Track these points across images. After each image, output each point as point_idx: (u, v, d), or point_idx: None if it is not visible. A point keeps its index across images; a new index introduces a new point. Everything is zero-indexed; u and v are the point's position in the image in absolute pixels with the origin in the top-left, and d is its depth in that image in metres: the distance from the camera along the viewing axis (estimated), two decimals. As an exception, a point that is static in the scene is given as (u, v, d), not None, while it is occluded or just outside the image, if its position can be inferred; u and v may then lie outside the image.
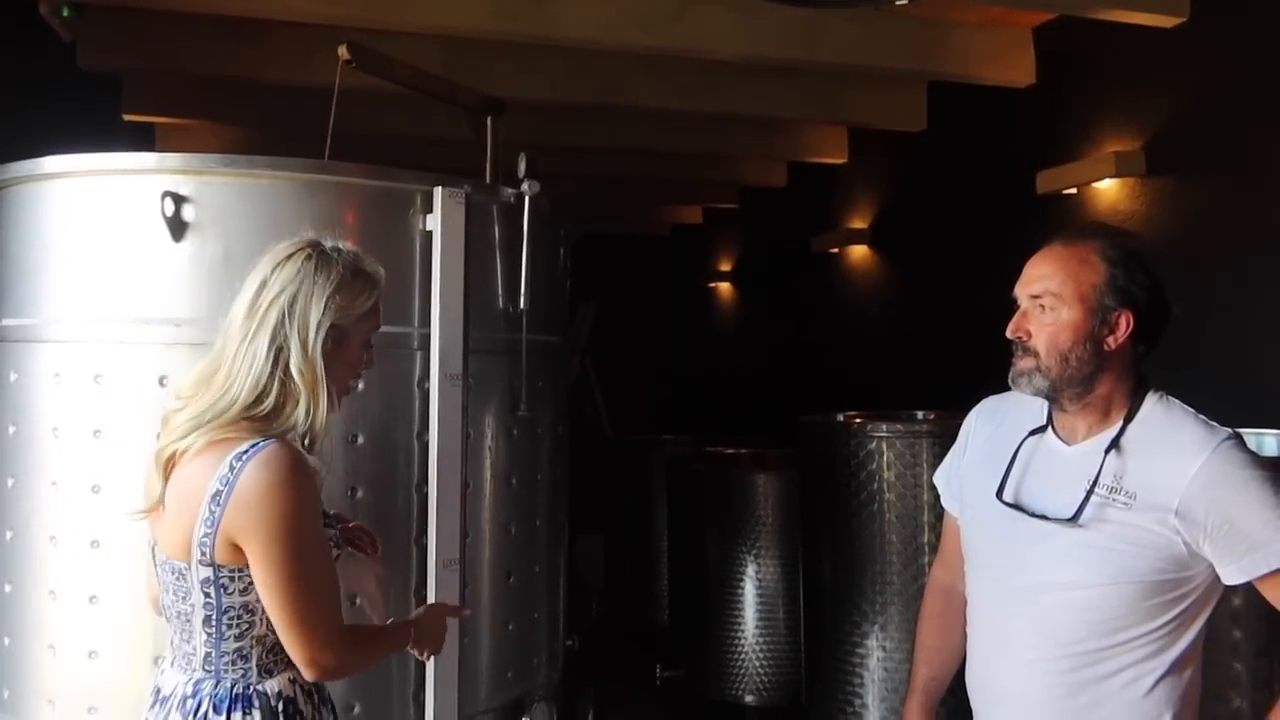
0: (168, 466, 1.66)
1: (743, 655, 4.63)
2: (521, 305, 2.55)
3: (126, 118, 5.09)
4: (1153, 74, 4.05)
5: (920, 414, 3.99)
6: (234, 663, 1.65)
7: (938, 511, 2.36)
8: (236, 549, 1.60)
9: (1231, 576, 1.63)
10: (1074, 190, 4.35)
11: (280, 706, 1.66)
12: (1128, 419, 1.71)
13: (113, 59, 4.43)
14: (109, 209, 2.31)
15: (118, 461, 2.24)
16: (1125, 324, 1.69)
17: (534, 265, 2.56)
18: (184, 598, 1.65)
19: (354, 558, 1.90)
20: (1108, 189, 4.23)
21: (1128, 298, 1.68)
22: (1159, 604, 1.66)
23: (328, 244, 1.71)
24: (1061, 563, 1.70)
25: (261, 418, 1.63)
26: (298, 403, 1.63)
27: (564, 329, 3.01)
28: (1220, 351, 3.64)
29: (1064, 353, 1.69)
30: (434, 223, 2.36)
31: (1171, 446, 1.66)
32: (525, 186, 2.55)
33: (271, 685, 1.67)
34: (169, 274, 2.27)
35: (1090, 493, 1.67)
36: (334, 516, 1.95)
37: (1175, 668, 1.68)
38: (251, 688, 1.65)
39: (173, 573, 1.66)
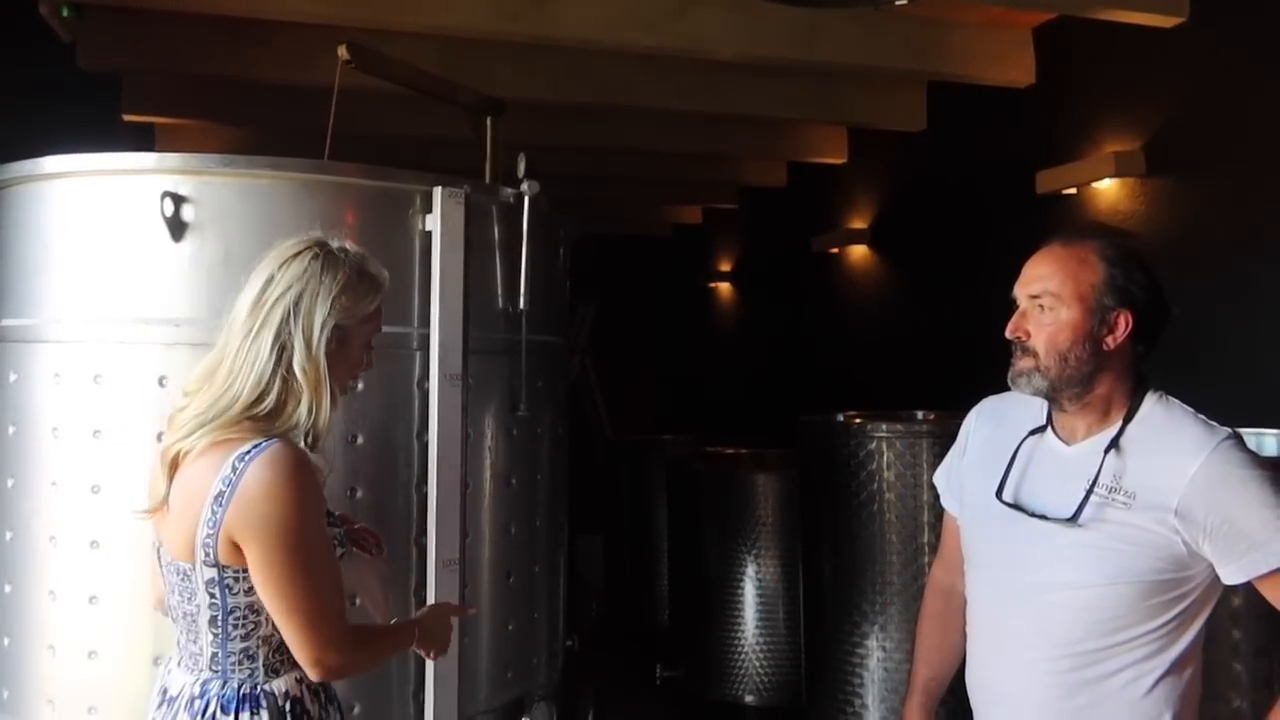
0: (172, 466, 1.66)
1: (743, 655, 4.63)
2: (521, 305, 2.55)
3: (126, 118, 5.08)
4: (1153, 74, 4.05)
5: (920, 414, 3.99)
6: (240, 663, 1.65)
7: (938, 511, 2.36)
8: (240, 549, 1.60)
9: (1231, 576, 1.63)
10: (1074, 190, 4.35)
11: (287, 706, 1.66)
12: (1127, 419, 1.71)
13: (113, 59, 4.43)
14: (109, 209, 2.31)
15: (117, 462, 2.24)
16: (1124, 324, 1.69)
17: (534, 265, 2.56)
18: (189, 598, 1.65)
19: (357, 558, 1.90)
20: (1107, 189, 4.23)
21: (1126, 297, 1.69)
22: (1158, 604, 1.66)
23: (334, 244, 1.71)
24: (1061, 562, 1.70)
25: (264, 417, 1.63)
26: (300, 401, 1.63)
27: (564, 329, 3.01)
28: (1220, 351, 3.64)
29: (1063, 353, 1.69)
30: (434, 223, 2.36)
31: (1171, 446, 1.66)
32: (525, 186, 2.55)
33: (278, 685, 1.67)
34: (169, 274, 2.27)
35: (1090, 492, 1.67)
36: (339, 517, 1.95)
37: (1175, 668, 1.68)
38: (258, 688, 1.65)
39: (178, 573, 1.66)
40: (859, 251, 6.31)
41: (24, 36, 3.99)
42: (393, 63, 3.04)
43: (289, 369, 1.63)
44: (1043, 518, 1.71)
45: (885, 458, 3.57)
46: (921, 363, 5.43)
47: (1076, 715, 1.70)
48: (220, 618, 1.64)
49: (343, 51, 2.77)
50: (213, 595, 1.63)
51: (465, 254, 2.38)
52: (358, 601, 2.00)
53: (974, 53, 4.62)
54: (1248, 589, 1.67)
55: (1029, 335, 1.72)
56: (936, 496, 2.09)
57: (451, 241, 2.36)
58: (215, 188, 2.28)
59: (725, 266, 8.50)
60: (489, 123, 3.22)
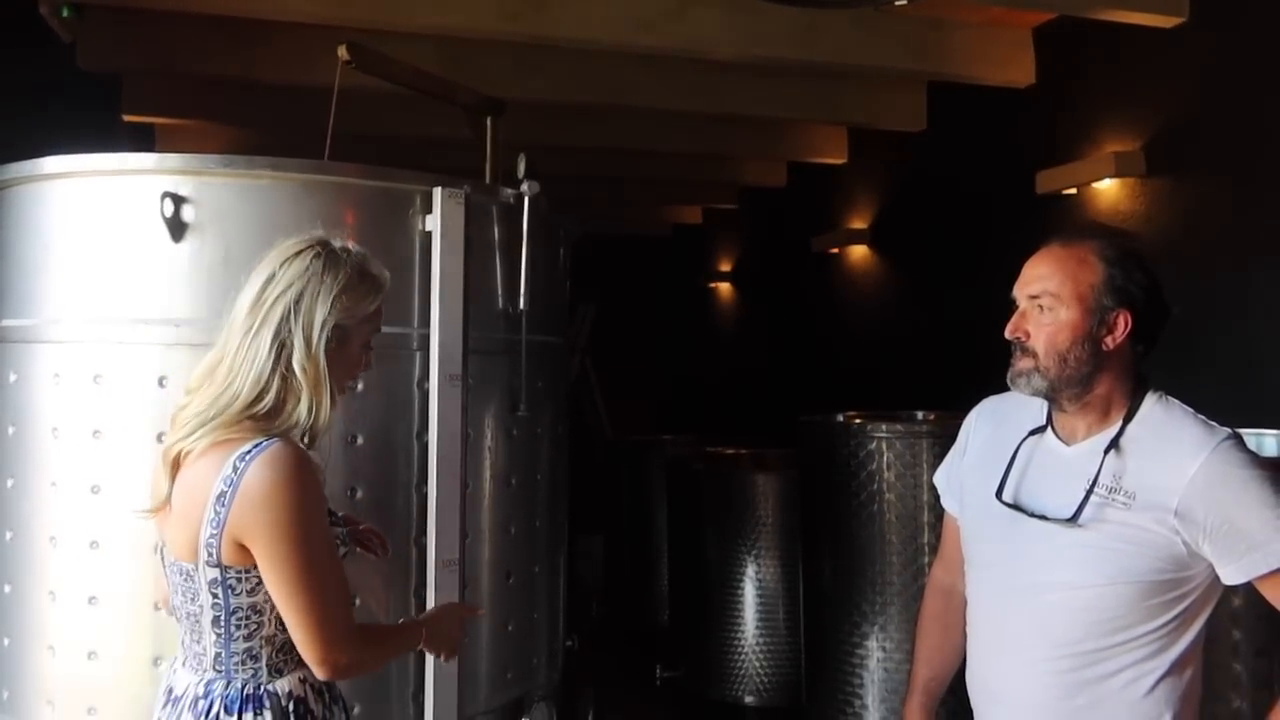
0: (174, 466, 1.67)
1: (743, 655, 4.63)
2: (521, 305, 2.54)
3: (126, 118, 5.09)
4: (1153, 74, 4.05)
5: (920, 414, 3.99)
6: (244, 663, 1.65)
7: (938, 512, 2.36)
8: (243, 549, 1.60)
9: (1231, 576, 1.63)
10: (1074, 190, 4.35)
11: (291, 706, 1.66)
12: (1127, 419, 1.71)
13: (113, 59, 4.43)
14: (109, 209, 2.31)
15: (117, 462, 2.24)
16: (1123, 324, 1.69)
17: (534, 265, 2.56)
18: (193, 599, 1.66)
19: (360, 558, 1.90)
20: (1108, 189, 4.23)
21: (1126, 297, 1.69)
22: (1158, 604, 1.66)
23: (336, 244, 1.71)
24: (1061, 563, 1.70)
25: (263, 415, 1.63)
26: (299, 400, 1.63)
27: (564, 329, 3.01)
28: (1220, 351, 3.64)
29: (1062, 353, 1.69)
30: (434, 223, 2.36)
31: (1171, 446, 1.67)
32: (525, 187, 2.55)
33: (282, 685, 1.67)
34: (168, 274, 2.27)
35: (1089, 493, 1.67)
36: (342, 517, 1.95)
37: (1175, 668, 1.68)
38: (262, 688, 1.65)
39: (181, 574, 1.66)
40: (859, 252, 6.31)
41: (24, 37, 3.99)
42: (393, 63, 3.04)
43: (288, 367, 1.63)
44: (1042, 518, 1.71)
45: (885, 458, 3.57)
46: (921, 363, 5.43)
47: (1076, 715, 1.70)
48: (223, 618, 1.64)
49: (343, 52, 2.76)
50: (215, 596, 1.63)
51: (465, 254, 2.37)
52: (357, 601, 2.00)
53: (974, 53, 4.62)
54: (1248, 589, 1.68)
55: (1028, 335, 1.72)
56: (936, 497, 2.09)
57: (451, 242, 2.36)
58: (215, 188, 2.28)
59: (725, 267, 8.50)
60: (489, 123, 3.21)
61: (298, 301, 1.64)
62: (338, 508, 2.00)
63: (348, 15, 3.86)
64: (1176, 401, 1.74)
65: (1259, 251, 3.61)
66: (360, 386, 2.26)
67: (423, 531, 2.36)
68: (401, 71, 3.08)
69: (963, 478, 1.95)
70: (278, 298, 1.64)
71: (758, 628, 4.61)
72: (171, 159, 2.47)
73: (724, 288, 8.60)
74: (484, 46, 4.44)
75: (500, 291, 2.56)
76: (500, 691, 2.58)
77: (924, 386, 4.88)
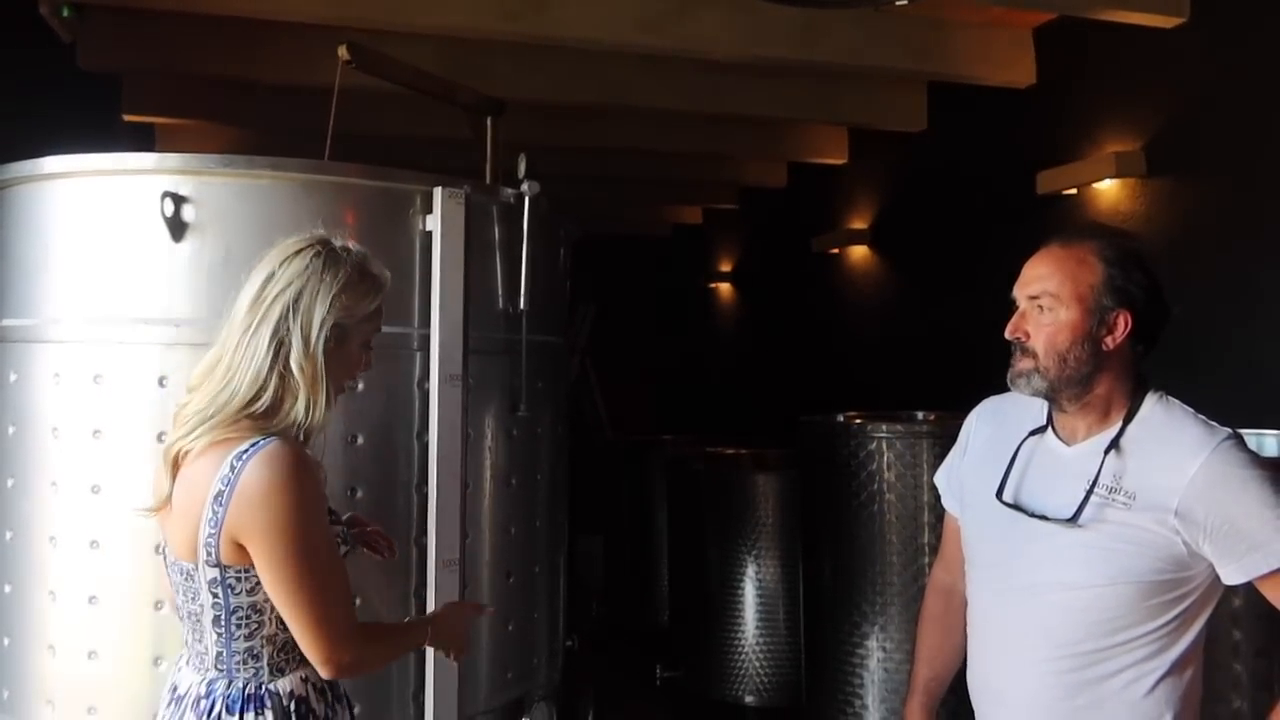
0: (175, 465, 1.67)
1: (743, 655, 4.63)
2: (521, 305, 2.54)
3: (126, 118, 5.09)
4: (1153, 74, 4.05)
5: (920, 414, 3.99)
6: (245, 662, 1.65)
7: (938, 512, 2.36)
8: (241, 549, 1.60)
9: (1232, 576, 1.63)
10: (1074, 191, 4.35)
11: (292, 706, 1.66)
12: (1127, 419, 1.71)
13: (113, 59, 4.43)
14: (109, 209, 2.31)
15: (117, 462, 2.24)
16: (1123, 324, 1.69)
17: (534, 265, 2.55)
18: (193, 598, 1.66)
19: (361, 558, 1.90)
20: (1108, 189, 4.23)
21: (1125, 298, 1.69)
22: (1159, 604, 1.66)
23: (337, 243, 1.71)
24: (1061, 563, 1.70)
25: (261, 414, 1.63)
26: (296, 398, 1.63)
27: (564, 329, 3.01)
28: (1220, 352, 3.64)
29: (1062, 353, 1.69)
30: (434, 223, 2.36)
31: (1171, 446, 1.67)
32: (525, 187, 2.55)
33: (283, 684, 1.67)
34: (169, 274, 2.27)
35: (1090, 493, 1.67)
36: (351, 518, 1.95)
37: (1176, 668, 1.68)
38: (263, 687, 1.65)
39: (181, 573, 1.67)
40: (859, 252, 6.31)
41: (24, 36, 3.99)
42: (393, 63, 3.04)
43: (286, 365, 1.63)
44: (1043, 518, 1.71)
45: (885, 458, 3.57)
46: (922, 363, 5.43)
47: (1077, 715, 1.70)
48: (223, 617, 1.64)
49: (343, 51, 2.76)
50: (215, 595, 1.63)
51: (465, 254, 2.37)
52: (359, 601, 2.00)
53: (974, 53, 4.62)
54: (1248, 589, 1.68)
55: (1028, 336, 1.72)
56: (937, 497, 2.09)
57: (452, 242, 2.36)
58: (215, 188, 2.28)
59: (725, 267, 8.50)
60: (489, 123, 3.21)
61: (297, 300, 1.64)
62: (338, 508, 2.00)
63: (348, 15, 3.86)
64: (1177, 401, 1.74)
65: (1259, 251, 3.61)
66: (360, 386, 2.26)
67: (423, 531, 2.35)
68: (401, 71, 3.08)
69: (963, 478, 1.95)
70: (277, 296, 1.64)
71: (758, 628, 4.61)
72: (171, 159, 2.46)
73: (724, 288, 8.60)
74: (484, 46, 4.44)
75: (500, 291, 2.56)
76: (500, 691, 2.58)
77: (924, 386, 4.88)
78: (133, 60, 4.47)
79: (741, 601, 4.63)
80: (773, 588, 4.59)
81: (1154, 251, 1.80)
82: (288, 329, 1.63)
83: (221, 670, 1.66)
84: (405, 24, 3.95)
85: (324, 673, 1.65)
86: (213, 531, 1.59)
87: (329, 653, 1.62)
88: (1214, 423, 1.70)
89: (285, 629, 1.64)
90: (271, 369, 1.62)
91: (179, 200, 2.24)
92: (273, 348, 1.62)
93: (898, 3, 3.66)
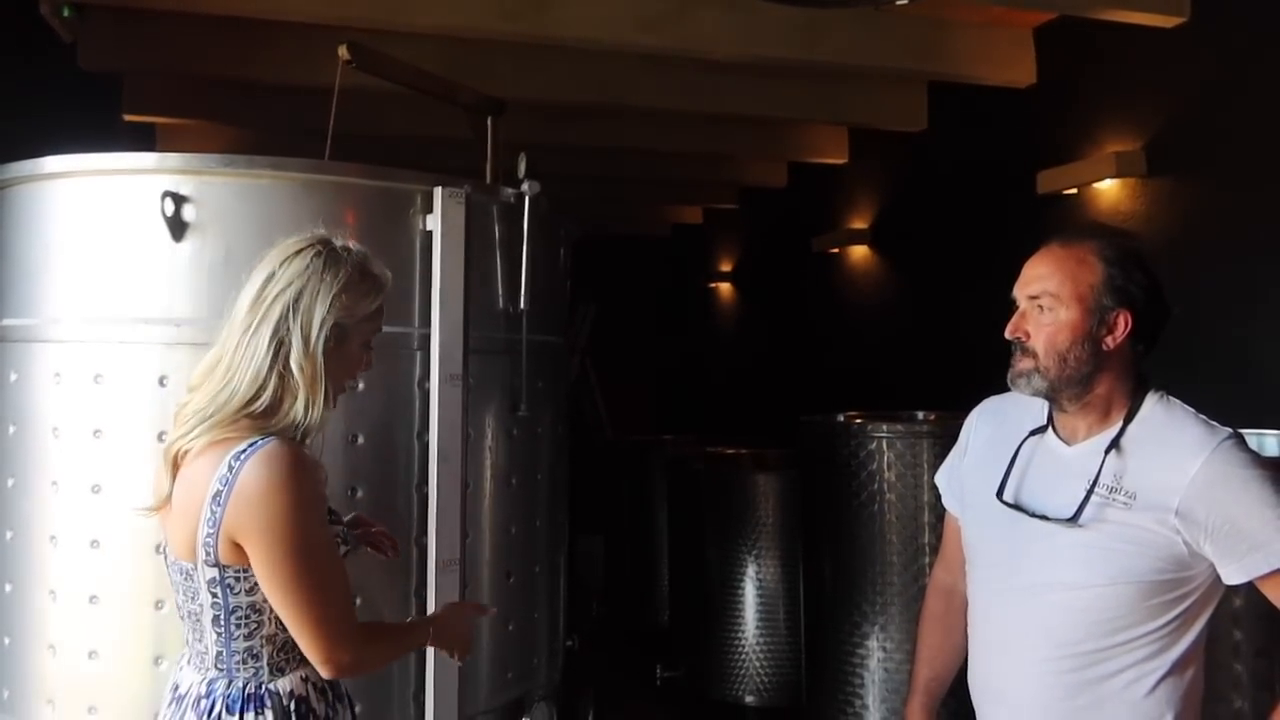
0: (175, 465, 1.67)
1: (743, 655, 4.62)
2: (521, 305, 2.54)
3: (127, 118, 5.09)
4: (1153, 74, 4.05)
5: (921, 414, 3.99)
6: (245, 662, 1.65)
7: (938, 512, 2.36)
8: (240, 549, 1.60)
9: (1233, 576, 1.63)
10: (1074, 190, 4.35)
11: (292, 705, 1.66)
12: (1128, 419, 1.71)
13: (113, 59, 4.43)
14: (110, 209, 2.31)
15: (118, 461, 2.24)
16: (1123, 324, 1.69)
17: (534, 265, 2.56)
18: (193, 597, 1.66)
19: (361, 558, 1.90)
20: (1108, 189, 4.23)
21: (1125, 297, 1.69)
22: (1159, 604, 1.66)
23: (337, 243, 1.71)
24: (1062, 563, 1.70)
25: (260, 414, 1.63)
26: (296, 398, 1.63)
27: (564, 329, 3.01)
28: (1220, 352, 3.64)
29: (1062, 353, 1.69)
30: (434, 223, 2.36)
31: (1172, 446, 1.66)
32: (525, 186, 2.55)
33: (283, 684, 1.67)
34: (169, 274, 2.27)
35: (1090, 493, 1.67)
36: (356, 518, 1.95)
37: (1177, 668, 1.68)
38: (263, 687, 1.65)
39: (181, 573, 1.67)
40: (859, 252, 6.31)
41: (24, 36, 3.99)
42: (393, 62, 3.04)
43: (285, 365, 1.63)
44: (1043, 518, 1.71)
45: (886, 458, 3.57)
46: (922, 363, 5.43)
47: (1078, 716, 1.70)
48: (223, 617, 1.64)
49: (343, 51, 2.76)
50: (214, 595, 1.63)
51: (466, 254, 2.37)
52: (358, 600, 2.00)
53: (975, 53, 4.62)
54: (1249, 589, 1.67)
55: (1028, 336, 1.72)
56: (937, 497, 2.09)
57: (452, 241, 2.36)
58: (216, 188, 2.28)
59: (726, 267, 8.50)
60: (489, 122, 3.21)
61: (297, 300, 1.64)
62: (338, 508, 2.00)
63: (348, 15, 3.86)
64: (1178, 401, 1.74)
65: (1260, 251, 3.61)
66: (360, 386, 2.26)
67: (423, 531, 2.36)
68: (402, 71, 3.08)
69: (964, 478, 1.95)
70: (277, 296, 1.64)
71: (758, 628, 4.61)
72: (172, 158, 2.47)
73: (724, 288, 8.60)
74: (484, 46, 4.44)
75: (500, 291, 2.56)
76: (501, 691, 2.58)
77: (924, 386, 4.88)
78: (133, 60, 4.47)
79: (742, 601, 4.63)
80: (773, 588, 4.59)
81: (1154, 251, 1.80)
82: (288, 329, 1.63)
83: (221, 670, 1.66)
84: (405, 24, 3.95)
85: (324, 673, 1.65)
86: (211, 531, 1.59)
87: (328, 653, 1.62)
88: (1214, 422, 1.70)
89: (285, 629, 1.63)
90: (271, 369, 1.62)
91: (179, 200, 2.24)
92: (272, 347, 1.62)
93: (898, 2, 3.66)
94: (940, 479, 2.06)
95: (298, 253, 1.67)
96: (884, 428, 3.61)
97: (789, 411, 4.36)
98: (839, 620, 3.66)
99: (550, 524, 2.80)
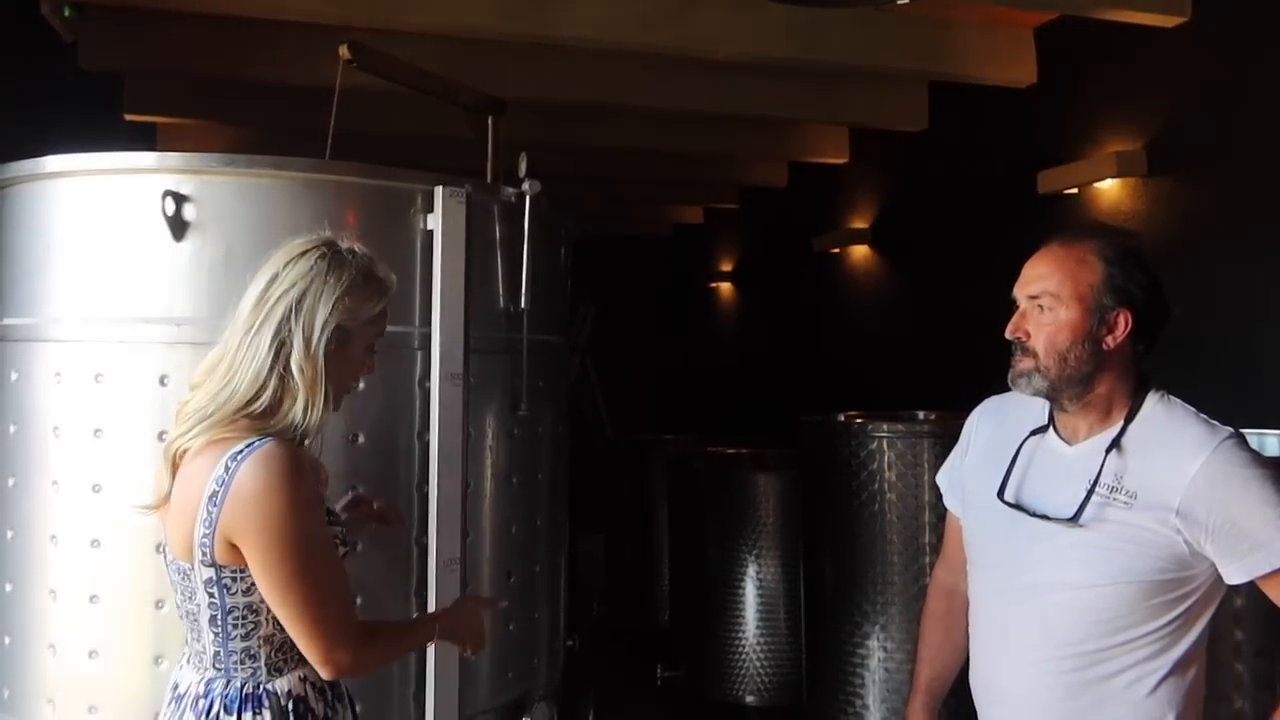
0: (175, 463, 1.67)
1: (743, 655, 4.62)
2: (522, 305, 2.54)
3: (128, 117, 5.09)
4: (1154, 74, 4.05)
5: (921, 414, 3.98)
6: (242, 662, 1.65)
7: (939, 511, 2.36)
8: (236, 549, 1.60)
9: (1234, 576, 1.63)
10: (1075, 190, 4.35)
11: (290, 706, 1.66)
12: (1129, 418, 1.71)
13: (114, 59, 4.43)
14: (110, 208, 2.31)
15: (118, 461, 2.24)
16: (1124, 323, 1.69)
17: (534, 265, 2.55)
18: (190, 597, 1.66)
19: (361, 558, 1.89)
20: (1109, 189, 4.23)
21: (1126, 297, 1.69)
22: (1160, 604, 1.66)
23: (343, 245, 1.71)
24: (1062, 562, 1.70)
25: (259, 414, 1.63)
26: (295, 400, 1.63)
27: (564, 329, 3.01)
28: (1221, 351, 3.64)
29: (1062, 353, 1.69)
30: (435, 222, 2.36)
31: (1172, 446, 1.66)
32: (526, 186, 2.55)
33: (281, 684, 1.66)
34: (170, 273, 2.27)
35: (1091, 492, 1.67)
36: (354, 499, 1.94)
37: (1178, 668, 1.68)
38: (261, 687, 1.65)
39: (179, 572, 1.67)
40: (860, 251, 6.31)
41: (25, 36, 3.99)
42: (394, 62, 3.04)
43: (286, 367, 1.63)
44: (1044, 518, 1.71)
45: (886, 458, 3.57)
46: (922, 363, 5.43)
47: (1079, 715, 1.70)
48: (220, 617, 1.64)
49: (344, 51, 2.76)
50: (211, 595, 1.63)
51: (466, 253, 2.37)
52: (358, 600, 2.00)
53: (975, 52, 4.62)
54: (1250, 589, 1.67)
55: (1029, 335, 1.72)
56: (938, 496, 2.09)
57: (453, 241, 2.36)
58: (216, 187, 2.28)
59: (726, 266, 8.50)
60: (490, 122, 3.21)
61: (300, 301, 1.64)
62: (339, 508, 2.00)
63: (348, 15, 3.86)
64: (1178, 401, 1.74)
65: (1260, 251, 3.61)
66: (361, 386, 2.26)
67: (424, 531, 2.35)
68: (402, 71, 3.08)
69: (965, 478, 1.95)
70: (280, 297, 1.64)
71: (758, 627, 4.61)
72: (173, 158, 2.46)
73: (725, 287, 8.60)
74: (485, 46, 4.44)
75: (501, 291, 2.55)
76: (501, 691, 2.58)
77: (924, 386, 4.88)
78: (133, 60, 4.48)
79: (742, 601, 4.63)
80: (773, 587, 4.59)
81: (1154, 251, 1.80)
82: (289, 330, 1.63)
83: (219, 669, 1.66)
84: (405, 24, 3.95)
85: (324, 673, 1.65)
86: (207, 532, 1.59)
87: (327, 653, 1.61)
88: (1215, 422, 1.70)
89: (283, 629, 1.63)
90: (272, 369, 1.62)
91: (180, 199, 2.24)
92: (274, 348, 1.62)
93: (899, 2, 3.66)
94: (941, 479, 2.06)
95: (303, 254, 1.67)
96: (884, 427, 3.61)
97: (789, 411, 4.36)
98: (839, 620, 3.66)
99: (551, 523, 2.80)
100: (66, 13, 3.96)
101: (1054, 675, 1.71)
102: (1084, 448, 1.74)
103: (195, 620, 1.66)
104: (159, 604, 2.19)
